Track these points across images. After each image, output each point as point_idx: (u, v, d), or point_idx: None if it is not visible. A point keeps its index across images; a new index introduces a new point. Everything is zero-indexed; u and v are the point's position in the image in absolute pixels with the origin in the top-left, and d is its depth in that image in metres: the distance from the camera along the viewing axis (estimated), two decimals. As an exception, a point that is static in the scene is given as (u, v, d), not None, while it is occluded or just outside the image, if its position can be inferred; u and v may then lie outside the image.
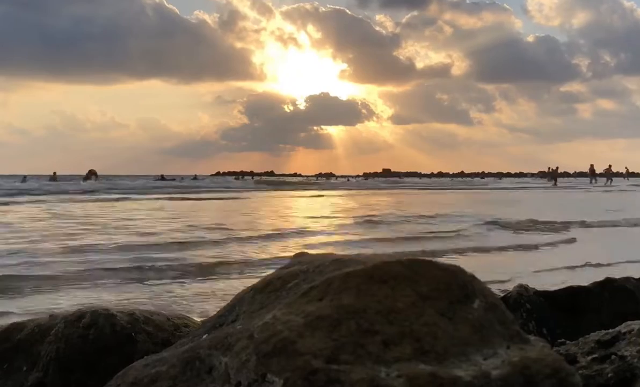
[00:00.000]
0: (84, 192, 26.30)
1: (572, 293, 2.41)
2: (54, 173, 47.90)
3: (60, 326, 2.13)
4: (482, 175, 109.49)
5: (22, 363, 2.15)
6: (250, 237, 8.58)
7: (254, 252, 7.35)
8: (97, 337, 2.08)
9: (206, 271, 5.97)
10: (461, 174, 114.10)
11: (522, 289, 2.40)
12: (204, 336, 1.51)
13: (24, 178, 46.11)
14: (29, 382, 2.07)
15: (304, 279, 1.49)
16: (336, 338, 1.23)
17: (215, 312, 1.73)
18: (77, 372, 2.04)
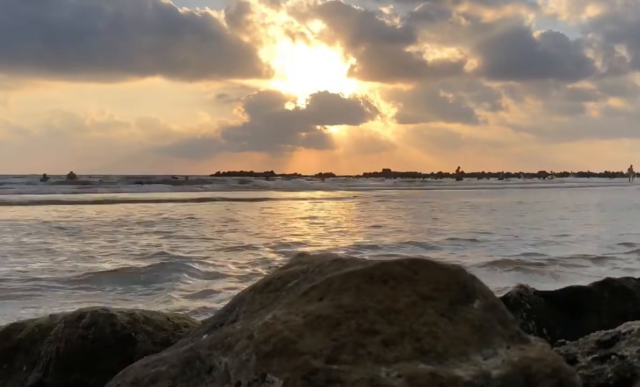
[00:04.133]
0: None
1: (572, 293, 2.41)
2: (71, 172, 47.32)
3: (60, 326, 2.13)
4: (480, 175, 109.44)
5: (22, 363, 2.15)
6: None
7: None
8: (97, 337, 2.08)
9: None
10: (461, 174, 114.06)
11: (522, 289, 2.40)
12: (204, 336, 1.51)
13: (44, 177, 45.87)
14: (29, 382, 2.07)
15: (304, 279, 1.49)
16: (336, 338, 1.22)
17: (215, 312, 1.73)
18: (77, 372, 2.04)
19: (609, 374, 1.60)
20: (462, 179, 57.68)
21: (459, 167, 56.29)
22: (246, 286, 1.68)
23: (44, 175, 48.62)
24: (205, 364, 1.35)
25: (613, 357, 1.65)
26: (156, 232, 11.93)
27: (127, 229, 12.52)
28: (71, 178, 45.70)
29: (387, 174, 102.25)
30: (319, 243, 10.15)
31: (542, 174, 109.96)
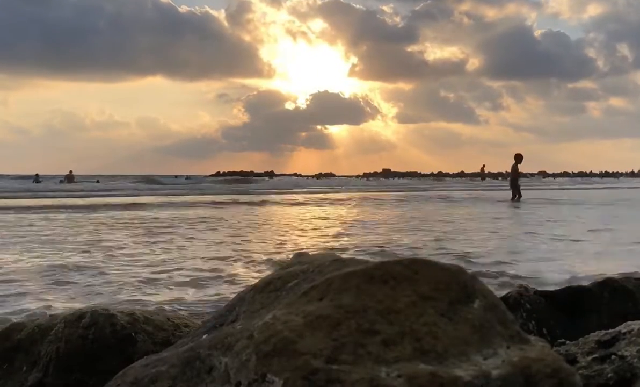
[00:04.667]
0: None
1: (572, 293, 2.41)
2: (70, 172, 43.64)
3: (60, 326, 2.13)
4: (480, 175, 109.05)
5: (22, 363, 2.15)
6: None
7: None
8: (97, 337, 2.08)
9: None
10: (461, 174, 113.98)
11: (522, 289, 2.40)
12: (204, 336, 1.51)
13: (37, 177, 43.94)
14: (29, 382, 2.07)
15: (304, 279, 1.49)
16: (336, 338, 1.23)
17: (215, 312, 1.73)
18: (77, 372, 2.04)
19: (609, 374, 1.60)
20: (485, 179, 55.38)
21: (483, 166, 53.24)
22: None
23: (37, 175, 45.42)
24: (205, 364, 1.35)
25: (613, 357, 1.65)
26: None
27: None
28: (69, 180, 42.17)
29: (387, 174, 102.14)
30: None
31: (542, 174, 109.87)
